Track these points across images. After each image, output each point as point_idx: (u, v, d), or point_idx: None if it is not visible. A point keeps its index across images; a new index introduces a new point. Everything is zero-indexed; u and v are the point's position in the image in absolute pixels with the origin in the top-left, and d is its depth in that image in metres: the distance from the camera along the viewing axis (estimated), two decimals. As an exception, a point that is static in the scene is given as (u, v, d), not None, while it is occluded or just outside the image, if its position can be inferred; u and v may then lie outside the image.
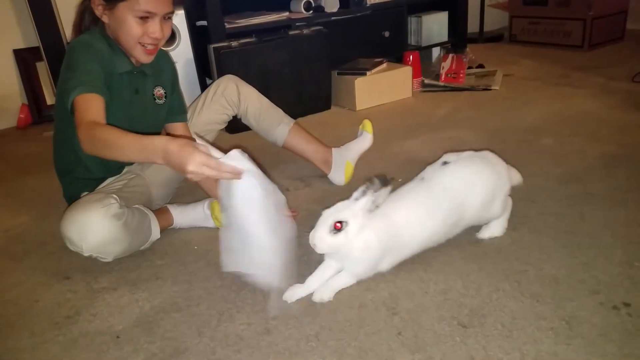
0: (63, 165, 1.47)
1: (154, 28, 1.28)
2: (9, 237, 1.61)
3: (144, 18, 1.26)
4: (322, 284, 1.19)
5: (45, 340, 1.12)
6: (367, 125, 1.82)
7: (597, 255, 1.23)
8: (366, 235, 1.14)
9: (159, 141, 1.03)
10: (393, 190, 1.20)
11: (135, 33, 1.27)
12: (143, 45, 1.30)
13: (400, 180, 1.23)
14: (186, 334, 1.10)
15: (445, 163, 1.29)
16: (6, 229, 1.67)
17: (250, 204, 1.06)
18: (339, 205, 1.16)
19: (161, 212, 1.51)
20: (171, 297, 1.23)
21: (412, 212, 1.21)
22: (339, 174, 1.75)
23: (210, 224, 1.53)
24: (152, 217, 1.42)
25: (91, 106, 1.19)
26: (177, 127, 1.55)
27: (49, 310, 1.23)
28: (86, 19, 1.36)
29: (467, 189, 1.25)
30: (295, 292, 1.18)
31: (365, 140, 1.81)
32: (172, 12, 1.32)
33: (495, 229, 1.34)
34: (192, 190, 1.68)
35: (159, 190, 1.54)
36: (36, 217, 1.73)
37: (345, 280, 1.19)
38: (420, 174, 1.31)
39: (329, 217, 1.14)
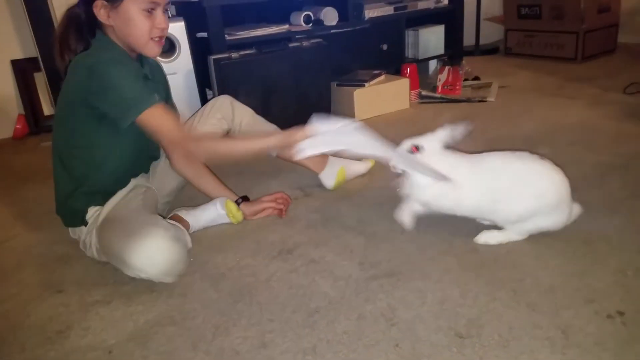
0: (69, 181, 1.41)
1: (160, 19, 1.30)
2: (3, 249, 1.61)
3: (149, 11, 1.28)
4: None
5: (37, 356, 1.11)
6: (372, 161, 1.88)
7: (592, 263, 1.23)
8: (445, 163, 1.29)
9: (274, 140, 1.40)
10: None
11: (146, 27, 1.28)
12: (152, 39, 1.32)
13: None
14: (181, 348, 1.09)
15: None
16: (0, 240, 1.66)
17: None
18: (420, 137, 1.33)
19: (177, 220, 1.52)
20: (166, 311, 1.22)
21: (474, 171, 1.30)
22: (331, 176, 1.76)
23: (223, 220, 1.59)
24: (183, 228, 1.43)
25: (165, 120, 1.27)
26: None
27: (40, 325, 1.21)
28: (73, 29, 1.31)
29: (523, 189, 1.27)
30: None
31: (363, 165, 1.86)
32: (169, 4, 1.34)
33: (489, 236, 1.35)
34: (194, 197, 1.68)
35: (163, 200, 1.58)
36: (31, 229, 1.72)
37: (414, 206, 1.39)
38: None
39: (407, 142, 1.33)
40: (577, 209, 1.34)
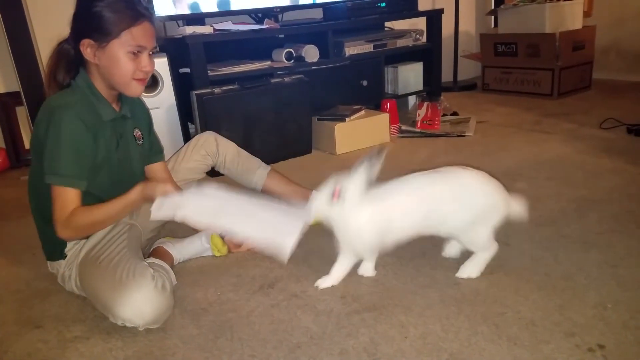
0: (43, 217, 1.40)
1: (145, 62, 1.31)
2: (-19, 285, 1.57)
3: (135, 53, 1.28)
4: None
5: (15, 392, 1.08)
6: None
7: (571, 297, 1.25)
8: (358, 216, 1.27)
9: (134, 193, 1.30)
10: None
11: (130, 68, 1.29)
12: (135, 80, 1.32)
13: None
14: (162, 383, 1.07)
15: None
16: (-22, 276, 1.63)
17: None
18: (341, 176, 1.29)
19: (161, 254, 1.51)
20: (146, 347, 1.20)
21: (402, 199, 1.31)
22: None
23: (207, 253, 1.61)
24: (167, 267, 1.41)
25: (68, 202, 1.25)
26: (156, 167, 1.56)
27: (19, 361, 1.18)
28: (63, 64, 1.33)
29: (453, 201, 1.29)
30: (324, 281, 1.38)
31: None
32: (156, 48, 1.35)
33: (471, 270, 1.36)
34: (174, 230, 1.67)
35: (147, 236, 1.56)
36: (10, 264, 1.69)
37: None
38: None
39: (329, 185, 1.28)
40: (517, 204, 1.37)
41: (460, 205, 1.30)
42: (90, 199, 1.32)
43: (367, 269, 1.42)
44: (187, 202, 1.30)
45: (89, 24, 1.26)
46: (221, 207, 1.34)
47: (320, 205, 1.28)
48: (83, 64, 1.33)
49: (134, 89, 1.34)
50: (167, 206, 1.27)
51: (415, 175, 1.35)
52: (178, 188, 1.39)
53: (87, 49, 1.28)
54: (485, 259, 1.37)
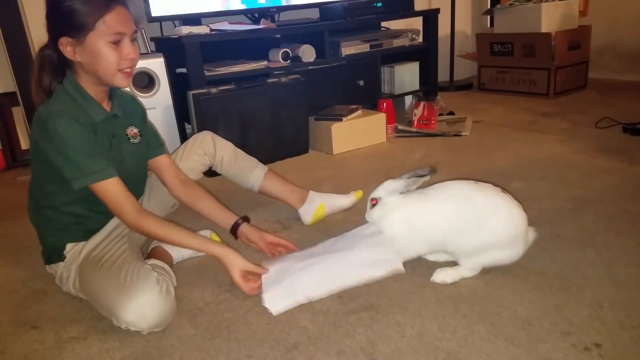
0: (43, 220, 1.41)
1: (128, 49, 1.28)
2: (-23, 286, 1.57)
3: (116, 43, 1.25)
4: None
5: (11, 394, 1.08)
6: (358, 194, 1.88)
7: (567, 296, 1.25)
8: (393, 217, 1.37)
9: (216, 250, 1.35)
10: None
11: (113, 60, 1.26)
12: (121, 71, 1.30)
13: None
14: (159, 383, 1.07)
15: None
16: (-26, 277, 1.62)
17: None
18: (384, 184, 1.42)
19: (160, 254, 1.51)
20: (143, 347, 1.20)
21: (432, 206, 1.36)
22: (308, 213, 1.77)
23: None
24: (169, 269, 1.41)
25: (116, 193, 1.27)
26: (161, 161, 1.55)
27: (16, 362, 1.18)
28: (47, 70, 1.29)
29: (482, 221, 1.29)
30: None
31: (347, 199, 1.86)
32: (137, 32, 1.31)
33: (446, 276, 1.36)
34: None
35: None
36: (6, 264, 1.69)
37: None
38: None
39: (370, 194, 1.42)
40: (532, 234, 1.37)
41: (491, 226, 1.30)
42: (90, 198, 1.32)
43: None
44: (294, 283, 1.33)
45: (61, 21, 1.23)
46: (313, 267, 1.38)
47: (368, 212, 1.43)
48: (68, 66, 1.30)
49: (121, 80, 1.31)
50: (281, 295, 1.31)
51: (454, 183, 1.37)
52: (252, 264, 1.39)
53: (66, 47, 1.25)
54: (462, 275, 1.36)
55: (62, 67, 1.30)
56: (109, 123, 1.38)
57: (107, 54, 1.25)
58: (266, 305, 1.29)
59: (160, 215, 1.54)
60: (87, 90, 1.31)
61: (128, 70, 1.31)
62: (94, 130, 1.31)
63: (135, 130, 1.47)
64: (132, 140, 1.45)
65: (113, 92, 1.41)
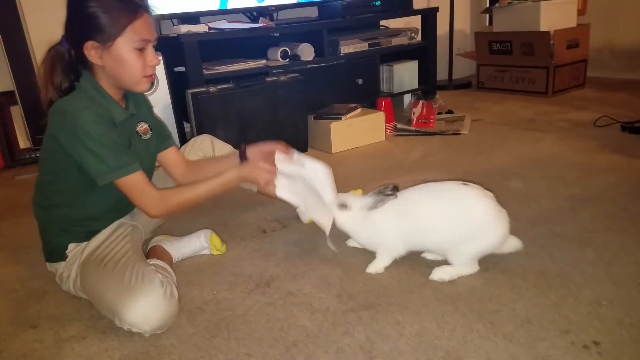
0: (48, 219, 1.40)
1: (152, 56, 1.28)
2: (-25, 285, 1.57)
3: (141, 49, 1.25)
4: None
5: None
6: (357, 192, 1.87)
7: (566, 295, 1.25)
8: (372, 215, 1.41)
9: (231, 174, 1.41)
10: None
11: (139, 66, 1.26)
12: (145, 77, 1.30)
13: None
14: (158, 382, 1.07)
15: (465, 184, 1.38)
16: (-28, 276, 1.62)
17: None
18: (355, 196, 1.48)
19: (160, 253, 1.51)
20: (142, 346, 1.19)
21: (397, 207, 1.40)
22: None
23: (206, 252, 1.62)
24: (170, 269, 1.41)
25: (141, 185, 1.29)
26: (169, 153, 1.56)
27: (14, 362, 1.18)
28: (59, 68, 1.28)
29: (448, 220, 1.33)
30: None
31: None
32: (157, 39, 1.32)
33: (443, 274, 1.37)
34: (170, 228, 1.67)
35: (147, 236, 1.58)
36: (5, 263, 1.68)
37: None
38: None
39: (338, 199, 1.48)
40: (515, 243, 1.39)
41: (455, 221, 1.33)
42: (105, 199, 1.31)
43: (376, 267, 1.44)
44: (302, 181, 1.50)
45: (87, 25, 1.22)
46: (302, 187, 1.51)
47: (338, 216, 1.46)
48: (85, 66, 1.29)
49: (144, 86, 1.32)
50: (290, 188, 1.48)
51: (426, 186, 1.42)
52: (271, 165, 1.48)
53: (91, 51, 1.24)
54: (460, 273, 1.37)
55: (76, 66, 1.29)
56: (127, 123, 1.38)
57: (133, 60, 1.26)
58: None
59: (147, 236, 1.58)
60: (106, 90, 1.31)
61: (151, 76, 1.32)
62: (116, 129, 1.31)
63: (146, 126, 1.45)
64: (143, 136, 1.44)
65: (127, 91, 1.40)
